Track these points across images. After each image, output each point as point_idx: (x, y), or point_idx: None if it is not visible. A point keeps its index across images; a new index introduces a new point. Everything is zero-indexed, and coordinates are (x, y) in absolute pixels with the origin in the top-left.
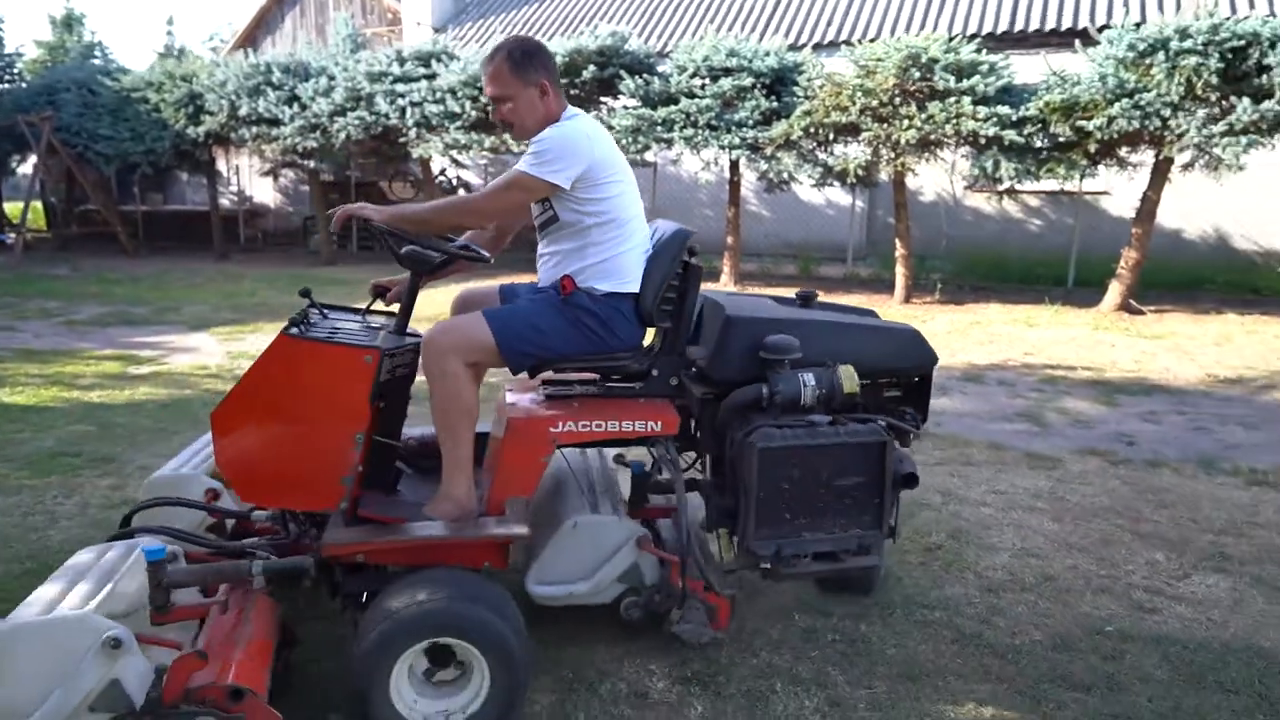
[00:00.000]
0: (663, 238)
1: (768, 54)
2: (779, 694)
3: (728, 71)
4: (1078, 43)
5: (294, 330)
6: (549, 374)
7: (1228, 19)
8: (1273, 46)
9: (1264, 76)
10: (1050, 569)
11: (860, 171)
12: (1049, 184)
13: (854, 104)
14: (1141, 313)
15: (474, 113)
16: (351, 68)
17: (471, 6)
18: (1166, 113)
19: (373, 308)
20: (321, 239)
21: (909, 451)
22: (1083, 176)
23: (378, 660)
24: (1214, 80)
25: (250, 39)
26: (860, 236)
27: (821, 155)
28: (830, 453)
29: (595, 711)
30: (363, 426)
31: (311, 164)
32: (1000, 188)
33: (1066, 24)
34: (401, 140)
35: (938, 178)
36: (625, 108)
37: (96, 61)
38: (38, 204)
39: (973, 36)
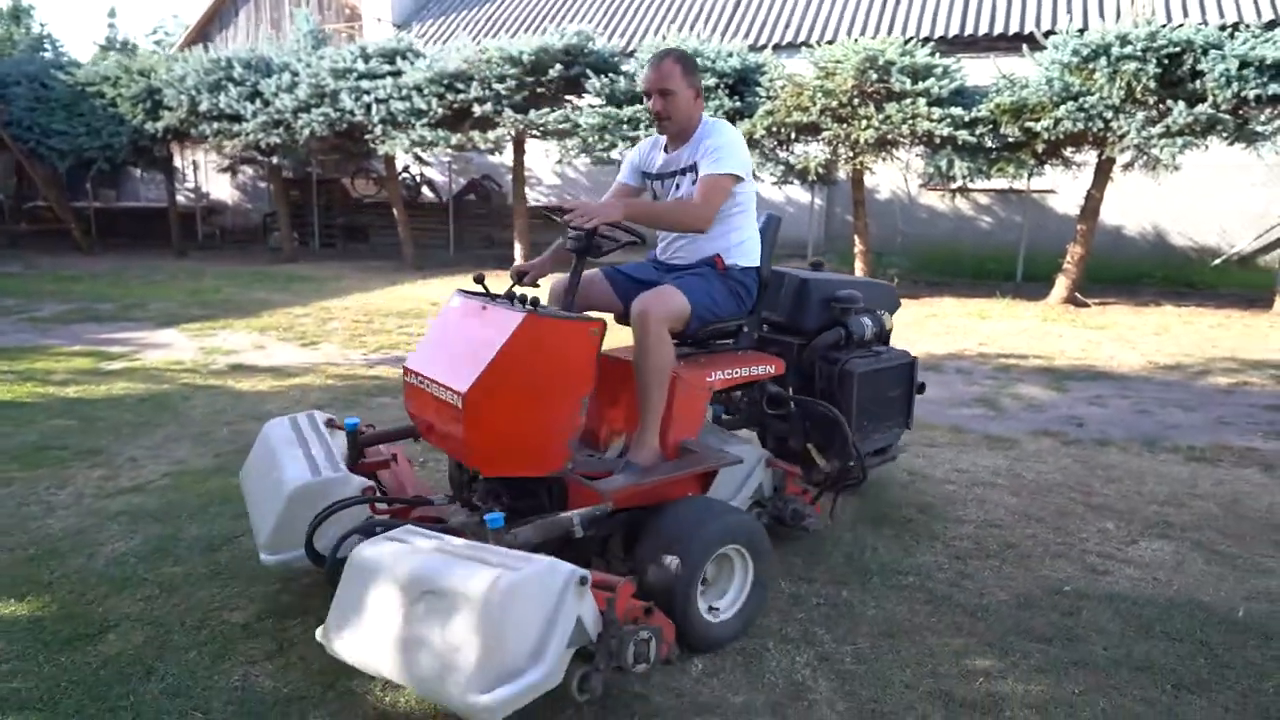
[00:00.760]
0: (764, 222)
1: (730, 55)
2: (771, 651)
3: None
4: (1025, 47)
5: (528, 309)
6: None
7: (1164, 27)
8: (1205, 53)
9: (1197, 81)
10: (1011, 538)
11: (820, 170)
12: (999, 183)
13: (814, 104)
14: (1086, 305)
15: (440, 109)
16: (315, 64)
17: (432, 3)
18: (1108, 115)
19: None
20: (283, 236)
21: None
22: (1031, 176)
23: (690, 575)
24: (1152, 85)
25: (202, 33)
26: (819, 233)
27: (783, 154)
28: (888, 373)
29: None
30: (589, 390)
31: (275, 160)
32: (953, 186)
33: (1014, 29)
34: (367, 137)
35: (893, 177)
36: (591, 106)
37: (47, 55)
38: None
39: (926, 40)
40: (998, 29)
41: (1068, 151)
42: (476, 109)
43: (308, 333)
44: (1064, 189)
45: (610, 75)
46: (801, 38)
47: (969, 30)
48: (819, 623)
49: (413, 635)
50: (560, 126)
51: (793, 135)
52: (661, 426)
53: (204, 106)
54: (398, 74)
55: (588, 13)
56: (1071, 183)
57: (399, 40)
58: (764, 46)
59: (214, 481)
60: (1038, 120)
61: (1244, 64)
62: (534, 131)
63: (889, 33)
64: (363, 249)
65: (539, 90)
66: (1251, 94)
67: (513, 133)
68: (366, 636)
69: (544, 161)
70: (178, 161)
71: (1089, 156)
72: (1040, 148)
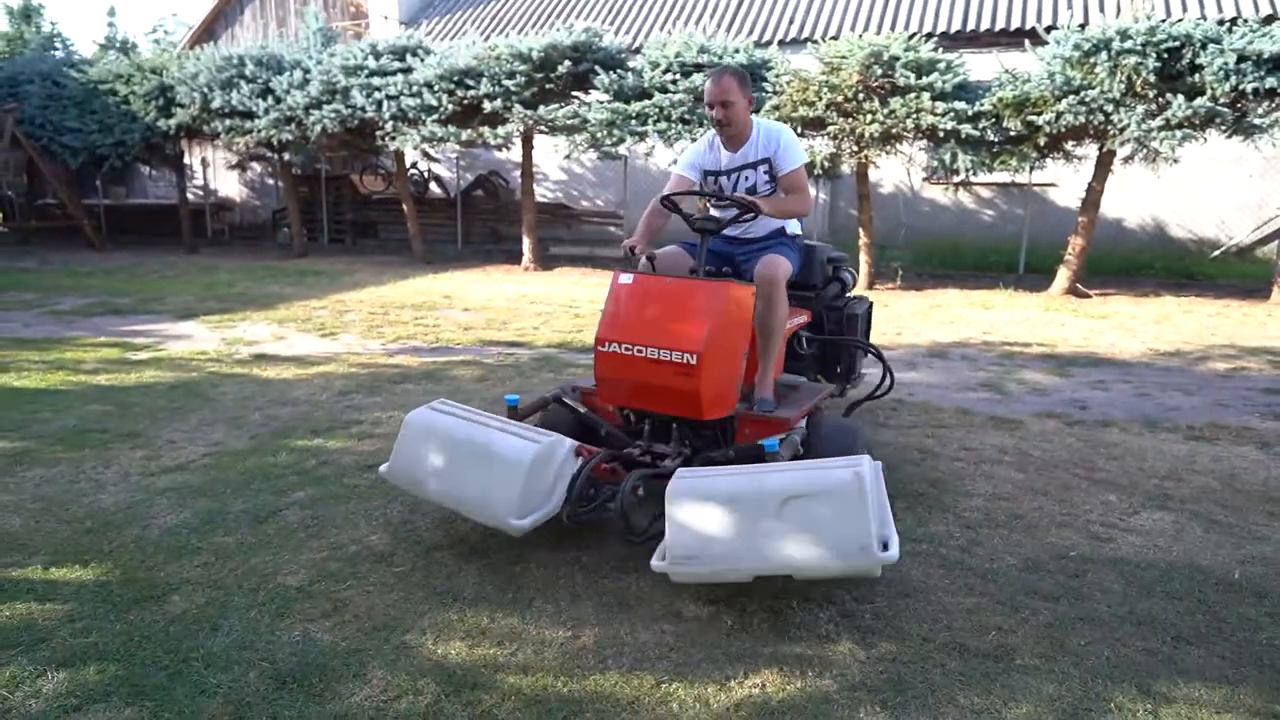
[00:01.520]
0: None
1: (737, 51)
2: (795, 609)
3: (699, 67)
4: (1027, 42)
5: (722, 277)
6: None
7: (1164, 21)
8: (1204, 47)
9: (1196, 75)
10: (1019, 509)
11: (826, 164)
12: (1001, 176)
13: (820, 99)
14: (1088, 295)
15: (450, 106)
16: (326, 61)
17: (439, 1)
18: (1109, 109)
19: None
20: (294, 232)
21: None
22: (1032, 169)
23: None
24: (1152, 78)
25: (208, 31)
26: (824, 226)
27: None
28: (865, 314)
29: (639, 628)
30: (749, 342)
31: (287, 156)
32: (956, 179)
33: (1016, 24)
34: (378, 133)
35: (897, 170)
36: (600, 102)
37: (58, 53)
38: None
39: (930, 35)
40: (1000, 24)
41: (1069, 145)
42: (486, 105)
43: (326, 324)
44: (1065, 182)
45: (618, 71)
46: (806, 34)
47: (971, 26)
48: (838, 585)
49: (786, 532)
50: (569, 122)
51: (798, 130)
52: (775, 368)
53: (216, 103)
54: (408, 71)
55: (594, 10)
56: (1073, 176)
57: (409, 37)
58: (769, 42)
59: (252, 460)
60: (1039, 114)
61: (1242, 58)
62: (542, 127)
63: (893, 28)
64: (372, 244)
65: (548, 86)
66: (1249, 87)
67: (521, 128)
68: (728, 550)
69: (552, 157)
70: (187, 159)
71: (1090, 150)
72: (1042, 141)
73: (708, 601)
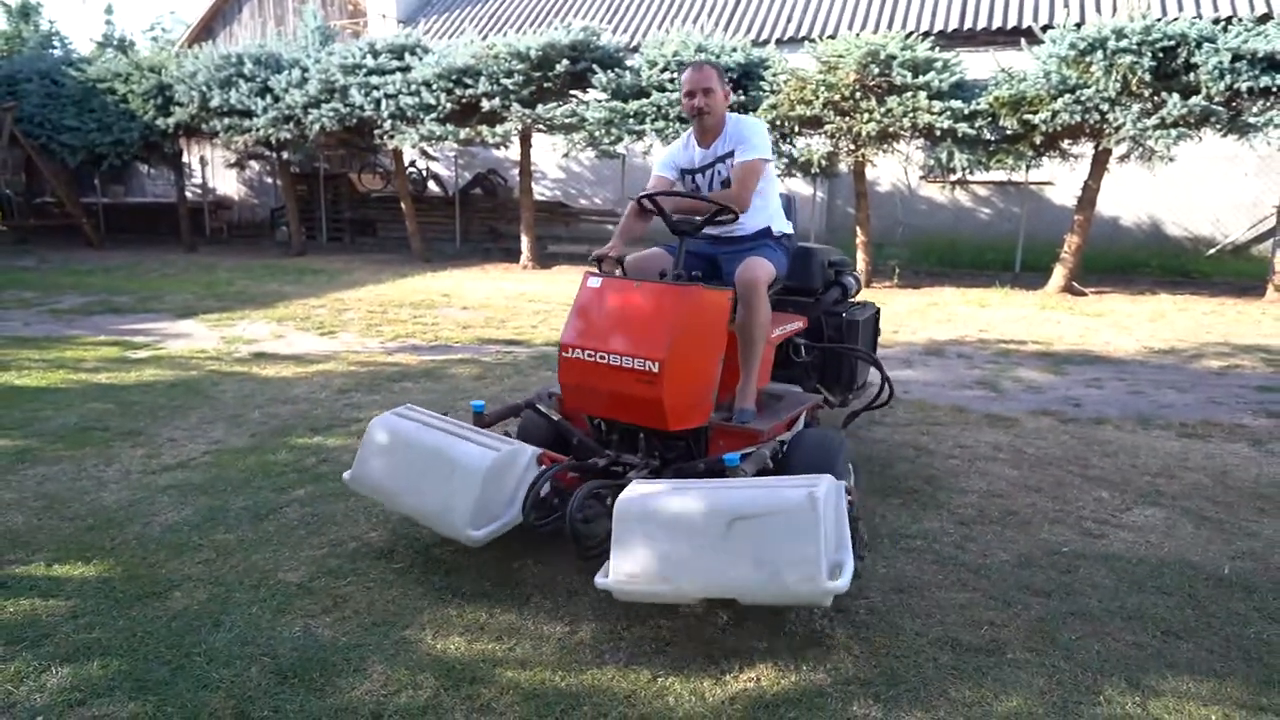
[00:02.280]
0: (784, 200)
1: (734, 49)
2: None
3: None
4: (1023, 41)
5: (694, 282)
6: None
7: (1159, 20)
8: (1199, 46)
9: (1191, 74)
10: (1012, 506)
11: (823, 163)
12: (997, 175)
13: (817, 98)
14: (1083, 293)
15: (448, 104)
16: (325, 60)
17: (436, 0)
18: (1105, 107)
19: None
20: (292, 230)
21: None
22: (1029, 167)
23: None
24: (1147, 77)
25: (206, 29)
26: (821, 225)
27: (786, 147)
28: (870, 320)
29: (635, 624)
30: (724, 349)
31: (285, 155)
32: (953, 178)
33: (1013, 23)
34: (377, 132)
35: (894, 169)
36: (598, 101)
37: (56, 51)
38: None
39: (926, 34)
40: (996, 23)
41: (1065, 143)
42: (484, 104)
43: (325, 322)
44: (1061, 180)
45: (616, 70)
46: (804, 33)
47: (968, 25)
48: None
49: (732, 556)
50: (567, 121)
51: (796, 129)
52: (759, 377)
53: (215, 102)
54: (407, 69)
55: (592, 9)
56: (1069, 174)
57: (408, 36)
58: (767, 41)
59: (253, 458)
60: (1036, 113)
61: (1236, 57)
62: (541, 126)
63: (889, 27)
64: (370, 243)
65: (546, 85)
66: (1244, 86)
67: (520, 127)
68: (672, 570)
69: (550, 155)
70: (186, 157)
71: (1086, 148)
72: (1038, 140)
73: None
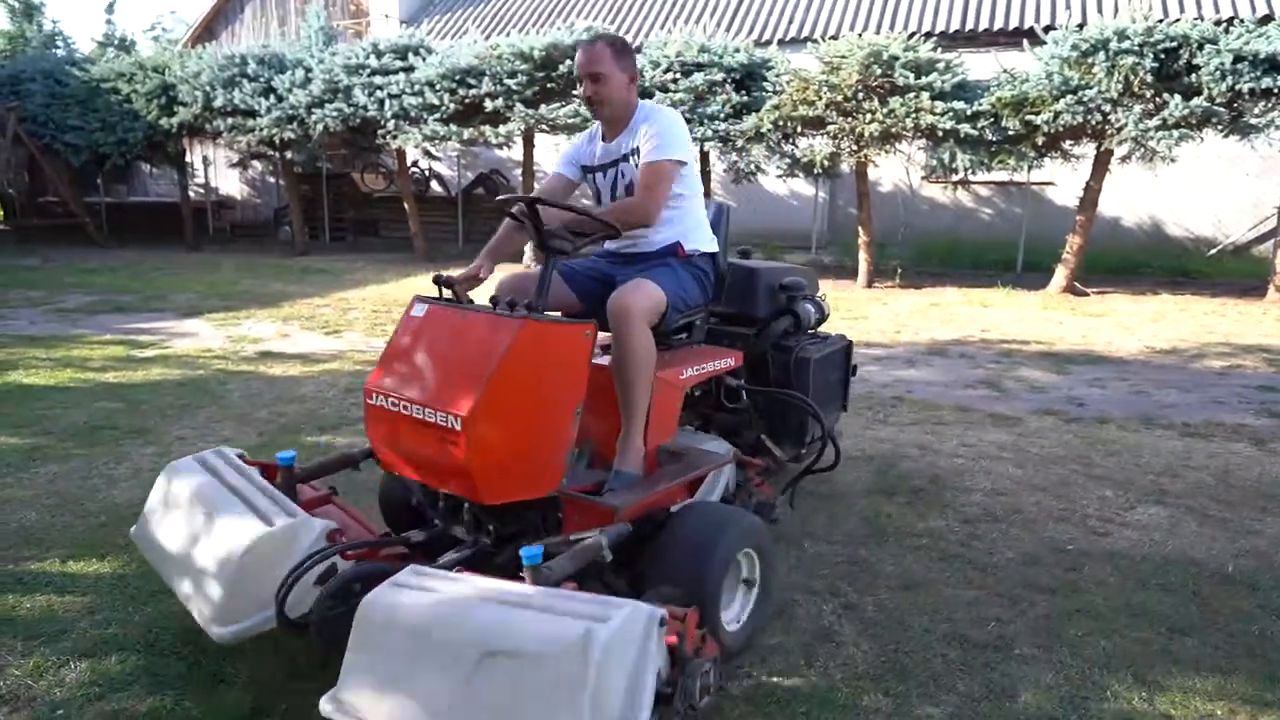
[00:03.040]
0: (715, 212)
1: (737, 50)
2: (800, 602)
3: (699, 67)
4: (1025, 42)
5: (521, 312)
6: None
7: (1161, 22)
8: (1201, 48)
9: (1193, 75)
10: (1017, 504)
11: (825, 163)
12: (999, 175)
13: (820, 99)
14: (1085, 294)
15: (452, 105)
16: (328, 60)
17: (439, 0)
18: (1107, 108)
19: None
20: (296, 230)
21: None
22: (1030, 168)
23: (717, 580)
24: (1149, 78)
25: (208, 29)
26: (823, 225)
27: (788, 147)
28: (833, 357)
29: None
30: (582, 399)
31: (289, 154)
32: (955, 178)
33: (1015, 24)
34: (380, 132)
35: (896, 169)
36: None
37: (59, 51)
38: None
39: (929, 35)
40: (998, 24)
41: (1067, 144)
42: (488, 104)
43: (330, 322)
44: (1063, 181)
45: None
46: (806, 33)
47: (970, 26)
48: (841, 578)
49: (477, 706)
50: (570, 121)
51: (798, 129)
52: (650, 431)
53: (219, 102)
54: (410, 70)
55: (595, 9)
56: (1070, 175)
57: (411, 36)
58: (769, 42)
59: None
60: (1038, 114)
61: (1238, 58)
62: (544, 126)
63: (892, 28)
64: (373, 242)
65: (549, 85)
66: (1245, 87)
67: (523, 127)
68: (403, 707)
69: (553, 156)
70: (189, 157)
71: (1087, 149)
72: (1040, 140)
73: None
